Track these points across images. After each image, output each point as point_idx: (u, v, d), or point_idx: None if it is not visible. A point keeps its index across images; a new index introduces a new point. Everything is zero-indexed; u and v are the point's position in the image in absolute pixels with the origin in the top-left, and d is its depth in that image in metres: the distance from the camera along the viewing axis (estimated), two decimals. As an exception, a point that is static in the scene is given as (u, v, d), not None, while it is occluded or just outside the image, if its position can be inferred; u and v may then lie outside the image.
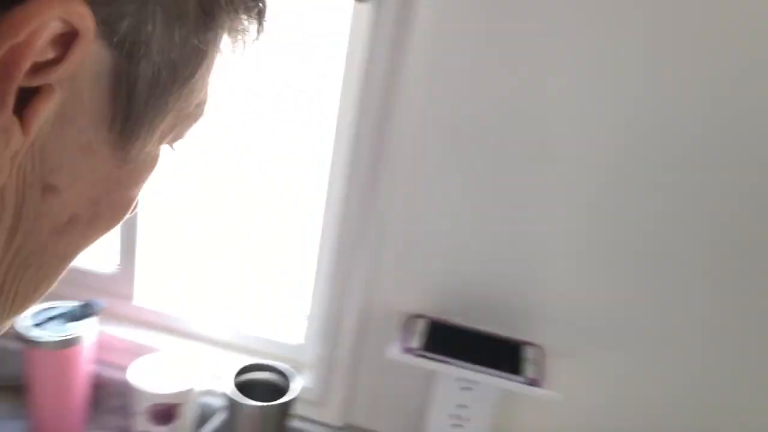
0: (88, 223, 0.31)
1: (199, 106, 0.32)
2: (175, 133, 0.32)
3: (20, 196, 0.27)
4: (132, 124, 0.29)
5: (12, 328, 0.35)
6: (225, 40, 0.31)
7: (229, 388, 0.91)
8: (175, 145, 0.33)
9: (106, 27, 0.25)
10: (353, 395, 1.00)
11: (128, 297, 1.09)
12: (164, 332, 1.08)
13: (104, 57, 0.26)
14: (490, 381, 0.85)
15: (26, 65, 0.23)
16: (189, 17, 0.27)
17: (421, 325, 0.92)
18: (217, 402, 0.99)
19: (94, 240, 0.32)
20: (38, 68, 0.24)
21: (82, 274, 1.10)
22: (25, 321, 0.96)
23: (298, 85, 0.95)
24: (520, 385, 0.84)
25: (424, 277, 0.92)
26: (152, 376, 0.96)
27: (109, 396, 1.05)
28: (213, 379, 0.98)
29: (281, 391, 0.94)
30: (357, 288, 0.94)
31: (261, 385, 0.96)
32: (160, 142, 0.31)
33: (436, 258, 0.91)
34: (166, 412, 0.94)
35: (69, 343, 0.96)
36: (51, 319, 0.98)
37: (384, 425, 1.01)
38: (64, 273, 0.32)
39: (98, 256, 1.10)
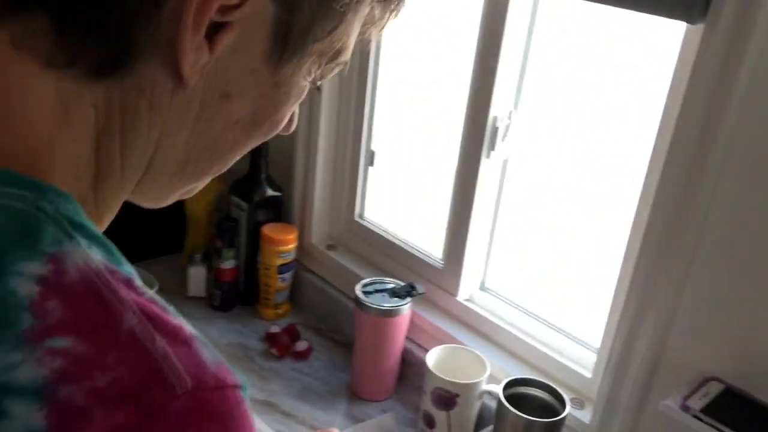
0: (249, 126, 0.42)
1: (340, 54, 0.42)
2: (321, 72, 0.43)
3: (205, 96, 0.39)
4: (285, 59, 0.39)
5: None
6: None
7: (502, 394, 0.96)
8: (319, 82, 0.43)
9: None
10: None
11: (453, 292, 1.20)
12: (470, 330, 1.17)
13: (270, 7, 0.37)
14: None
15: (216, 6, 0.35)
16: None
17: (713, 389, 0.83)
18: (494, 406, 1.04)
19: (252, 142, 0.44)
20: (225, 10, 0.35)
21: (417, 262, 1.25)
22: (358, 288, 1.15)
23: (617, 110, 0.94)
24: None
25: (727, 337, 0.83)
26: (444, 364, 1.06)
27: (413, 374, 1.17)
28: (495, 383, 1.03)
29: (553, 413, 0.95)
30: (650, 330, 0.89)
31: (534, 401, 0.98)
32: (307, 76, 0.42)
33: (745, 317, 0.81)
34: (447, 399, 1.03)
35: (389, 313, 1.12)
36: (379, 291, 1.15)
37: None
38: (229, 164, 0.44)
39: (434, 249, 1.25)
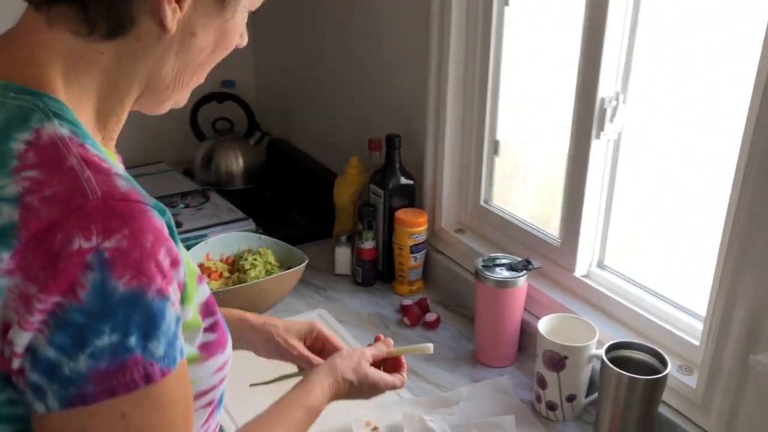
0: (212, 51, 0.66)
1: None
2: (251, 3, 0.67)
3: (181, 36, 0.63)
4: (227, 4, 0.64)
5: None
6: None
7: (604, 355, 1.03)
8: (253, 10, 0.68)
9: None
10: (735, 411, 0.98)
11: (569, 269, 1.28)
12: (585, 303, 1.24)
13: None
14: None
15: None
16: None
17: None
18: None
19: (215, 60, 0.68)
20: None
21: (537, 242, 1.34)
22: (479, 262, 1.26)
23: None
24: None
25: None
26: (557, 330, 1.14)
27: (532, 344, 1.26)
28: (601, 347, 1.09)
29: (655, 373, 1.01)
30: (748, 297, 0.92)
31: (638, 364, 1.04)
32: (243, 11, 0.66)
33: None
34: (556, 360, 1.11)
35: (504, 284, 1.22)
36: (498, 265, 1.25)
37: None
38: (203, 77, 0.70)
39: (551, 229, 1.33)
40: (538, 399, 1.16)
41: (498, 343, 1.28)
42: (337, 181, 1.64)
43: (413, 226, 1.45)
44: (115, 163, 0.62)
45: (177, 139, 2.03)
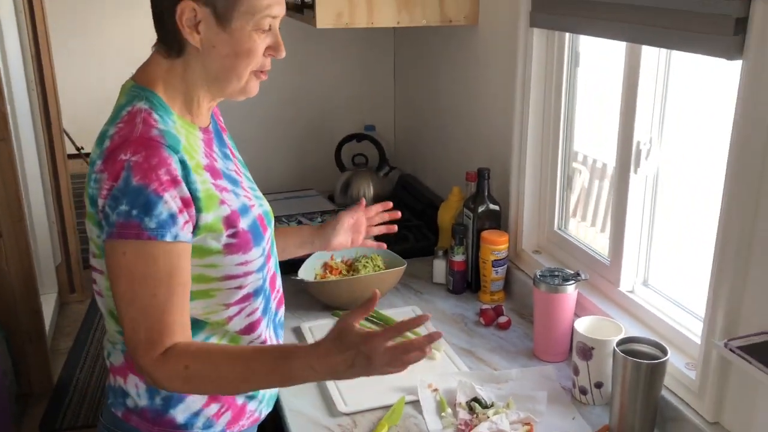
0: (233, 57, 1.08)
1: (256, 11, 1.06)
2: (254, 22, 1.07)
3: (205, 50, 1.08)
4: (225, 23, 1.05)
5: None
6: None
7: (615, 346, 1.27)
8: (259, 30, 1.08)
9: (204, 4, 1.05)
10: (723, 397, 1.19)
11: (615, 284, 1.53)
12: (626, 312, 1.48)
13: (208, 9, 1.05)
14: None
15: (191, 25, 1.07)
16: None
17: (760, 338, 1.06)
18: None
19: (241, 67, 1.09)
20: (194, 23, 1.06)
21: (595, 262, 1.60)
22: (537, 272, 1.54)
23: None
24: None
25: (772, 298, 1.06)
26: (592, 328, 1.39)
27: (582, 345, 1.51)
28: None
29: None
30: (725, 306, 1.14)
31: (645, 355, 1.27)
32: (247, 26, 1.06)
33: (782, 282, 1.04)
34: (585, 351, 1.36)
35: (556, 290, 1.49)
36: (553, 276, 1.53)
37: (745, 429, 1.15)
38: (233, 81, 1.11)
39: (598, 245, 1.58)
40: (573, 384, 1.42)
41: (551, 341, 1.54)
42: (442, 206, 1.99)
43: (495, 244, 1.75)
44: (172, 130, 1.06)
45: (325, 170, 2.49)
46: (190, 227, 1.04)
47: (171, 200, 1.01)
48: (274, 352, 1.10)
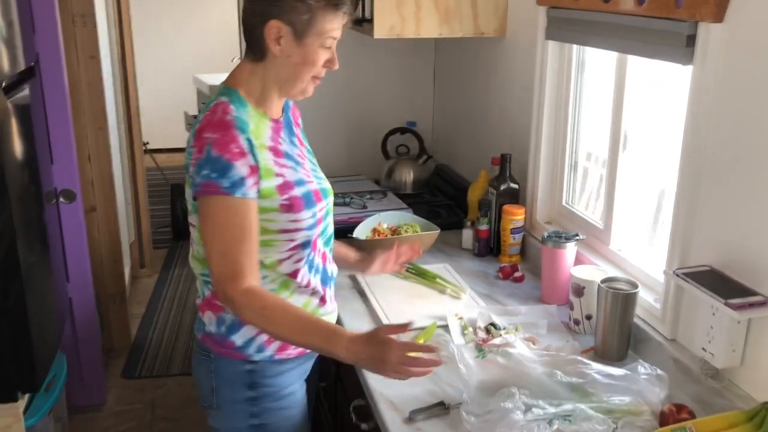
0: (301, 66, 1.46)
1: (323, 33, 1.44)
2: (320, 41, 1.45)
3: (282, 58, 1.46)
4: (299, 39, 1.43)
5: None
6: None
7: (599, 281, 1.66)
8: (323, 47, 1.46)
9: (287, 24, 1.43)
10: (678, 318, 1.57)
11: (607, 243, 1.92)
12: (613, 265, 1.87)
13: (289, 27, 1.43)
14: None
15: (276, 39, 1.45)
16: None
17: (703, 269, 1.45)
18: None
19: (306, 74, 1.48)
20: (278, 36, 1.44)
21: (593, 227, 1.99)
22: (544, 233, 1.94)
23: None
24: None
25: (718, 243, 1.45)
26: (582, 272, 1.79)
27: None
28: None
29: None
30: (680, 244, 1.53)
31: (624, 291, 1.66)
32: (315, 43, 1.45)
33: (730, 230, 1.43)
34: (578, 289, 1.76)
35: (558, 245, 1.89)
36: (558, 236, 1.92)
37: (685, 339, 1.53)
38: (300, 85, 1.50)
39: (595, 215, 1.97)
40: (569, 318, 1.81)
41: (554, 288, 1.93)
42: (471, 186, 2.41)
43: (514, 215, 2.15)
44: (244, 117, 1.41)
45: (372, 158, 2.93)
46: (255, 189, 1.41)
47: (240, 167, 1.37)
48: (328, 327, 1.44)
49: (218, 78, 6.06)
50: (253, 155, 1.40)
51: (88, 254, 2.92)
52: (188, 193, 1.47)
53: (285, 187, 1.48)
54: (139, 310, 3.99)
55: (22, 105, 2.30)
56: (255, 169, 1.41)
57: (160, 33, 6.86)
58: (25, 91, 2.36)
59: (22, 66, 2.34)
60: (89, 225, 3.15)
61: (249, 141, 1.40)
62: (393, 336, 1.37)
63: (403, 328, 1.42)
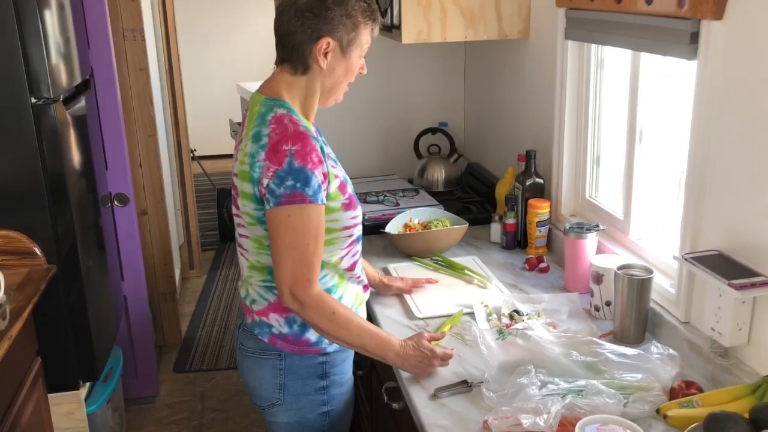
0: (343, 77, 1.60)
1: (364, 44, 1.59)
2: (359, 52, 1.59)
3: (327, 71, 1.58)
4: (347, 53, 1.57)
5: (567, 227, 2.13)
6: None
7: (615, 268, 1.74)
8: (361, 57, 1.61)
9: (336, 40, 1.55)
10: (691, 300, 1.65)
11: (626, 233, 2.00)
12: (632, 253, 1.95)
13: (337, 43, 1.55)
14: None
15: (324, 53, 1.56)
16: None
17: (711, 253, 1.53)
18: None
19: (346, 83, 1.62)
20: (326, 51, 1.55)
21: (613, 219, 2.07)
22: (567, 224, 2.02)
23: None
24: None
25: (724, 230, 1.53)
26: (602, 260, 1.87)
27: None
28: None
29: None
30: (690, 232, 1.61)
31: (638, 275, 1.74)
32: (356, 57, 1.59)
33: (735, 219, 1.51)
34: (597, 276, 1.85)
35: (580, 236, 1.97)
36: (580, 228, 2.00)
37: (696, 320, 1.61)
38: (341, 94, 1.64)
39: (615, 207, 2.05)
40: (590, 304, 1.90)
41: (576, 276, 2.02)
42: (498, 182, 2.51)
43: (539, 209, 2.24)
44: (308, 126, 1.53)
45: (405, 158, 3.05)
46: (326, 194, 1.52)
47: (319, 175, 1.47)
48: (382, 335, 1.62)
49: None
50: (325, 162, 1.52)
51: (141, 255, 3.11)
52: (246, 206, 1.55)
53: (343, 186, 1.59)
54: (189, 309, 4.19)
55: (79, 116, 2.50)
56: (326, 176, 1.52)
57: (204, 44, 7.13)
58: (81, 103, 2.56)
59: (78, 79, 2.54)
60: (141, 228, 3.35)
61: (322, 149, 1.52)
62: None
63: (441, 336, 1.74)
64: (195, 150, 6.29)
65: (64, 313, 2.29)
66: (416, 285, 2.03)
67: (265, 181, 1.47)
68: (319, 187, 1.49)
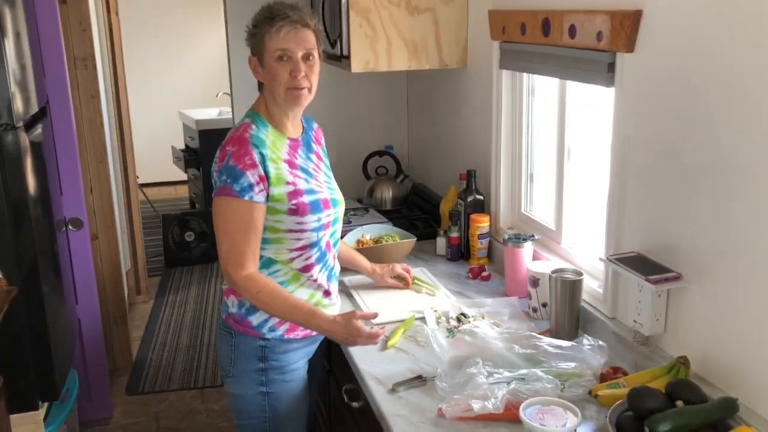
0: (273, 80, 1.77)
1: (275, 50, 1.76)
2: (273, 57, 1.75)
3: (265, 85, 1.82)
4: (259, 58, 1.80)
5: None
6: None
7: (549, 273, 1.95)
8: (278, 61, 1.76)
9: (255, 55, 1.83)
10: (616, 298, 1.86)
11: (558, 242, 2.22)
12: (564, 260, 2.16)
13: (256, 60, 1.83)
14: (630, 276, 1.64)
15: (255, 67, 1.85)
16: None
17: (631, 255, 1.74)
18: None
19: (281, 86, 1.77)
20: (257, 65, 1.83)
21: (546, 230, 2.29)
22: (504, 235, 2.23)
23: None
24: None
25: (644, 234, 1.75)
26: (537, 266, 2.07)
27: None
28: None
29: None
30: (614, 236, 1.83)
31: (569, 278, 1.95)
32: (272, 61, 1.76)
33: (652, 222, 1.73)
34: (534, 280, 2.05)
35: (517, 245, 2.18)
36: (517, 238, 2.21)
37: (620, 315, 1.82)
38: (281, 96, 1.80)
39: (548, 219, 2.27)
40: (528, 306, 2.10)
41: (515, 282, 2.22)
42: (443, 200, 2.71)
43: (480, 223, 2.45)
44: (258, 136, 1.74)
45: (354, 179, 3.22)
46: (264, 194, 1.73)
47: (251, 176, 1.70)
48: (307, 310, 1.80)
49: (203, 112, 6.48)
50: (264, 167, 1.72)
51: (94, 278, 3.16)
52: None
53: (295, 194, 1.78)
54: (138, 333, 4.22)
55: (36, 142, 2.57)
56: (263, 179, 1.72)
57: (145, 72, 7.16)
58: (38, 130, 2.63)
59: (35, 107, 2.62)
60: (92, 252, 3.39)
61: (262, 155, 1.72)
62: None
63: (373, 315, 1.89)
64: (138, 177, 6.32)
65: (25, 333, 2.34)
66: (404, 276, 2.28)
67: (214, 174, 1.76)
68: (250, 186, 1.70)
